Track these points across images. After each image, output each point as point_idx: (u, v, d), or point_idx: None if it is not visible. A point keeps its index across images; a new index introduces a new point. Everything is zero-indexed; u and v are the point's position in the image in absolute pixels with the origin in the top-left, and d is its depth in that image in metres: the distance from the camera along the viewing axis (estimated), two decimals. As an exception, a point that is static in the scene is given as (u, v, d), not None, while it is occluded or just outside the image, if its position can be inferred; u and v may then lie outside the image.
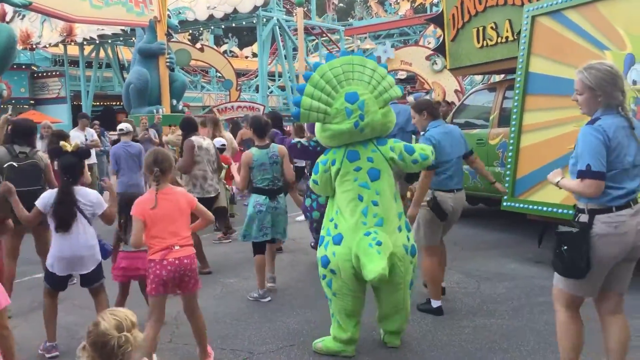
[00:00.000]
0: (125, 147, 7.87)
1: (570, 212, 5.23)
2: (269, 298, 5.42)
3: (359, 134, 4.03)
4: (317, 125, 4.15)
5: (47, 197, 4.28)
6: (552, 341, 4.11)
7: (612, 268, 3.17)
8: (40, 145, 10.02)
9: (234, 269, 6.57)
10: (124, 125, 8.22)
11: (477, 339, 4.31)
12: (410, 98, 23.89)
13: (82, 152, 4.45)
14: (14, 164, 5.27)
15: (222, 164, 7.33)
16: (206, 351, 4.01)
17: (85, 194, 4.30)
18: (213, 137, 8.04)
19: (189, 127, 6.94)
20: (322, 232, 4.23)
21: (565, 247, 3.10)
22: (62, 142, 4.43)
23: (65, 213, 4.18)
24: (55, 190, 4.34)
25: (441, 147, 4.78)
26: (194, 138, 6.63)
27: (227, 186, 7.85)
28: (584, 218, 3.13)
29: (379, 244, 3.80)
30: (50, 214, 4.21)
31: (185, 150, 6.59)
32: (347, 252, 3.94)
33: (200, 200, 6.32)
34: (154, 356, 2.50)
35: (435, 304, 4.88)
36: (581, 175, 3.04)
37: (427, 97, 15.04)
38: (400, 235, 4.08)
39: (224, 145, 7.90)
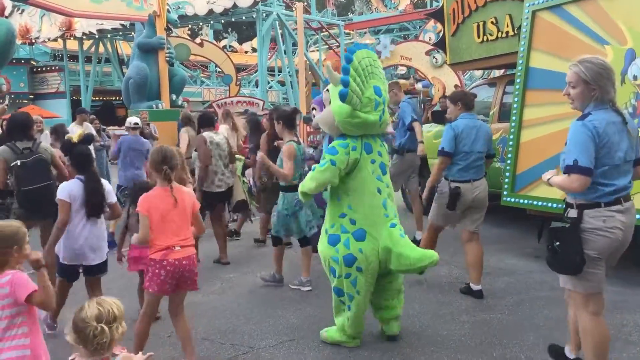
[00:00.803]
0: (136, 142, 7.91)
1: (570, 207, 5.25)
2: (281, 284, 5.56)
3: (378, 128, 4.12)
4: (344, 110, 3.98)
5: (69, 188, 4.31)
6: (552, 336, 4.16)
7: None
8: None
9: (233, 264, 6.56)
10: (137, 119, 8.29)
11: (477, 333, 4.31)
12: (419, 85, 23.84)
13: (87, 139, 4.60)
14: (21, 161, 5.25)
15: (239, 156, 7.34)
16: (192, 354, 3.92)
17: (104, 184, 4.48)
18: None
19: (204, 122, 7.03)
20: (332, 231, 4.14)
21: (558, 243, 3.10)
22: (68, 136, 4.52)
23: (99, 200, 4.33)
24: (74, 181, 4.37)
25: (462, 138, 5.05)
26: (205, 133, 6.68)
27: (244, 179, 7.84)
28: (572, 213, 3.14)
29: (405, 234, 4.01)
30: (82, 203, 4.28)
31: (198, 145, 6.61)
32: (375, 245, 3.99)
33: (211, 194, 6.38)
34: (140, 354, 2.54)
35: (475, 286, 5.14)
36: (568, 170, 3.05)
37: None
38: (401, 226, 4.22)
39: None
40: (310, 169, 4.29)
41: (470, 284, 5.17)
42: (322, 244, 4.22)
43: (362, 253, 3.98)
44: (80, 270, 4.49)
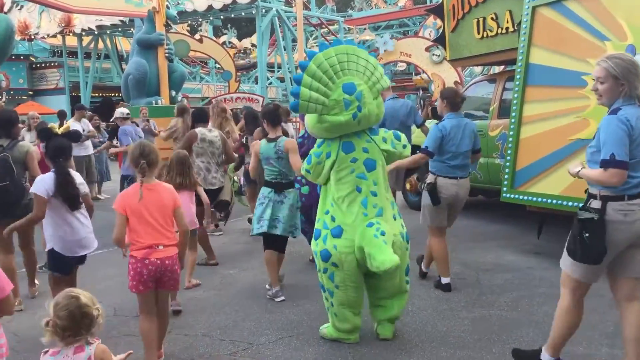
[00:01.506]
0: (136, 132, 7.95)
1: (570, 203, 5.27)
2: (282, 297, 5.17)
3: (356, 126, 4.02)
4: (312, 116, 4.04)
5: (43, 182, 4.29)
6: (551, 332, 4.14)
7: (622, 254, 3.21)
8: (28, 136, 10.05)
9: (232, 260, 6.57)
10: (127, 110, 8.42)
11: (476, 330, 4.31)
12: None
13: (72, 135, 4.54)
14: None
15: (233, 156, 7.23)
16: (159, 352, 3.93)
17: (75, 174, 4.45)
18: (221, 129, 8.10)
19: (198, 118, 6.95)
20: (317, 225, 4.19)
21: (588, 234, 3.11)
22: (51, 124, 4.49)
23: (73, 193, 4.30)
24: (48, 174, 4.35)
25: (449, 139, 5.14)
26: (198, 129, 6.60)
27: (235, 178, 7.83)
28: (595, 204, 3.16)
29: (383, 234, 3.83)
30: (56, 196, 4.26)
31: (186, 139, 6.59)
32: (350, 244, 3.95)
33: (204, 191, 6.31)
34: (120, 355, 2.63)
35: (444, 280, 5.25)
36: (605, 164, 3.06)
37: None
38: (396, 224, 4.15)
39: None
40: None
41: (441, 278, 5.27)
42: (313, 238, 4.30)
43: (336, 250, 3.97)
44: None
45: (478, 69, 23.20)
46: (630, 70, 3.12)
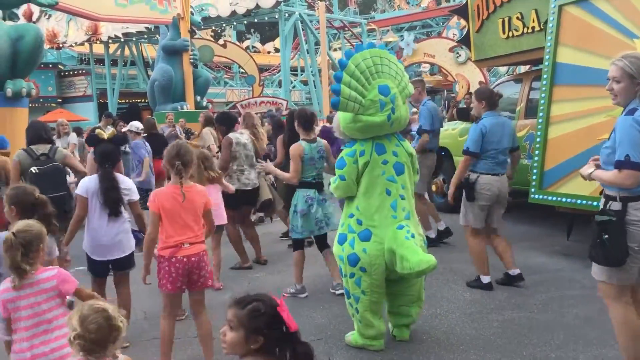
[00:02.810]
0: (145, 145, 8.05)
1: (600, 204, 5.18)
2: (306, 294, 5.37)
3: (389, 128, 4.04)
4: (346, 116, 4.05)
5: (87, 183, 4.37)
6: (582, 334, 4.10)
7: None
8: (58, 143, 10.23)
9: (259, 264, 6.60)
10: (140, 125, 8.49)
11: (506, 332, 4.27)
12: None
13: (118, 140, 4.63)
14: (35, 169, 5.29)
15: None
16: (210, 357, 3.93)
17: (123, 180, 4.47)
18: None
19: (229, 122, 6.96)
20: (341, 230, 4.18)
21: (607, 236, 3.07)
22: (97, 130, 4.57)
23: (116, 198, 4.33)
24: (94, 176, 4.42)
25: (490, 136, 5.21)
26: (231, 135, 6.67)
27: (266, 177, 7.91)
28: (616, 206, 3.12)
29: (413, 236, 3.87)
30: (101, 201, 4.31)
31: (223, 147, 6.55)
32: (379, 247, 3.94)
33: (238, 191, 6.40)
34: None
35: (485, 279, 5.27)
36: (619, 165, 3.02)
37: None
38: (419, 228, 4.19)
39: None
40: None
41: (481, 277, 5.31)
42: (335, 243, 4.27)
43: (366, 254, 3.96)
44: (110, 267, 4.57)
45: (503, 69, 22.97)
46: None
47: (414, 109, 8.79)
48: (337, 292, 5.26)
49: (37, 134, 5.59)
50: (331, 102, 3.98)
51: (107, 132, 4.61)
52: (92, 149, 5.21)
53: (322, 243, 5.54)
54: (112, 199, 4.33)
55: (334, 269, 5.30)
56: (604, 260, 3.13)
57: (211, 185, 5.64)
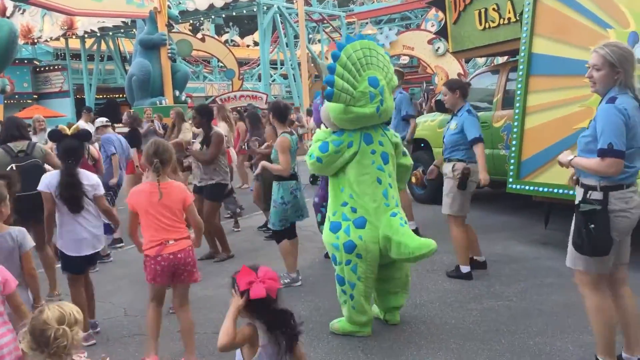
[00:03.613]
0: (119, 138, 7.94)
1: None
2: (300, 282, 5.49)
3: (377, 119, 4.14)
4: (337, 107, 4.06)
5: (48, 178, 4.31)
6: (560, 321, 4.16)
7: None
8: (35, 139, 10.08)
9: (241, 258, 6.58)
10: (104, 118, 8.39)
11: (485, 321, 4.32)
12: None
13: (82, 135, 4.52)
14: (14, 166, 5.22)
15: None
16: (191, 352, 3.91)
17: (87, 176, 4.38)
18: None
19: (210, 115, 6.86)
20: (334, 218, 4.20)
21: (593, 225, 3.09)
22: (60, 126, 4.50)
23: (74, 194, 4.25)
24: (57, 172, 4.37)
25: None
26: (220, 131, 6.69)
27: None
28: (597, 195, 3.14)
29: (406, 222, 4.09)
30: (58, 197, 4.24)
31: (215, 143, 6.46)
32: (374, 234, 4.06)
33: (224, 185, 6.53)
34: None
35: (465, 269, 5.32)
36: (603, 153, 3.03)
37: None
38: (403, 215, 4.26)
39: None
40: None
41: (461, 267, 5.37)
42: (325, 232, 4.29)
43: (362, 240, 4.04)
44: (96, 270, 4.55)
45: (481, 61, 23.12)
46: (627, 58, 3.10)
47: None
48: (296, 284, 5.47)
49: (11, 132, 5.52)
50: (325, 94, 4.00)
51: (74, 126, 4.55)
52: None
53: (293, 232, 5.59)
54: (68, 195, 4.23)
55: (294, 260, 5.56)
56: (590, 250, 3.14)
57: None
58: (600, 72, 3.17)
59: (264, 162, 5.69)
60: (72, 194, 4.25)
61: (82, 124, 10.64)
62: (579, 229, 3.15)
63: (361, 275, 4.09)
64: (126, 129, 9.87)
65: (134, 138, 9.07)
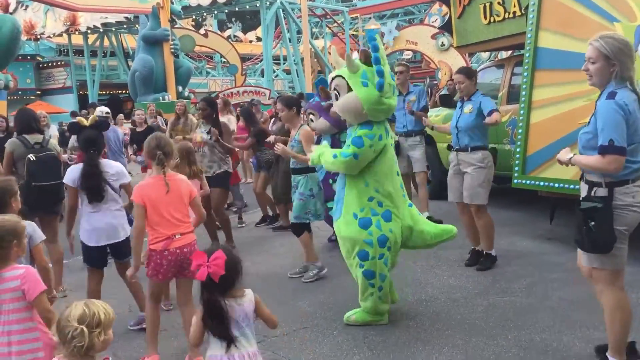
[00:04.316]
0: (116, 132, 7.95)
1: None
2: (325, 269, 5.50)
3: (391, 112, 4.29)
4: (373, 97, 4.04)
5: (73, 172, 4.32)
6: (567, 317, 4.14)
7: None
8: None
9: (244, 253, 6.56)
10: (105, 109, 8.37)
11: (491, 316, 4.29)
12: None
13: (100, 124, 4.54)
14: (33, 156, 5.27)
15: None
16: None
17: (110, 165, 4.43)
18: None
19: (216, 107, 7.09)
20: (363, 214, 4.16)
21: (593, 223, 3.06)
22: (78, 118, 4.52)
23: (96, 184, 4.27)
24: (79, 165, 4.37)
25: None
26: (226, 122, 6.93)
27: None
28: (602, 192, 3.12)
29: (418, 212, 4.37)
30: (79, 187, 4.26)
31: (228, 132, 6.80)
32: (399, 225, 4.23)
33: (230, 173, 6.79)
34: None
35: (494, 252, 5.49)
36: (603, 150, 3.00)
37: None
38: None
39: None
40: None
41: (491, 252, 5.49)
42: (352, 229, 4.18)
43: (392, 233, 4.16)
44: (110, 258, 4.53)
45: (485, 55, 23.00)
46: (623, 50, 3.05)
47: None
48: (304, 280, 5.43)
49: (28, 123, 5.56)
50: (378, 83, 4.01)
51: (92, 116, 4.57)
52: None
53: (309, 225, 5.59)
54: (88, 185, 4.26)
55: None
56: (590, 247, 3.13)
57: (193, 181, 5.65)
58: (595, 65, 3.13)
59: (290, 152, 5.38)
60: (92, 184, 4.28)
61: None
62: (579, 226, 3.13)
63: (389, 267, 4.24)
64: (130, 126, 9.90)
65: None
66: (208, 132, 6.61)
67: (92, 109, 11.82)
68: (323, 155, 4.31)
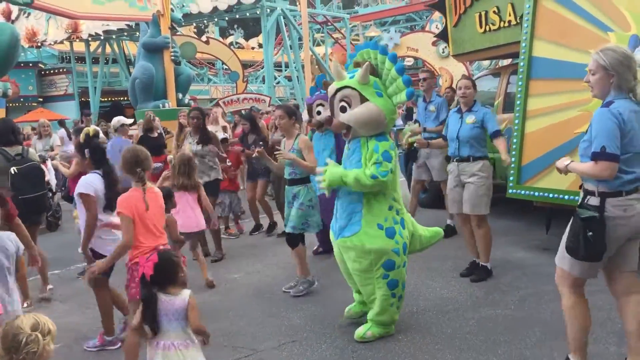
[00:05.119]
0: (127, 142, 7.91)
1: (577, 198, 5.17)
2: (316, 283, 5.45)
3: None
4: (390, 107, 4.12)
5: (93, 182, 4.26)
6: (559, 331, 4.06)
7: (619, 249, 3.18)
8: (40, 144, 10.07)
9: (238, 264, 6.53)
10: (125, 120, 8.35)
11: (482, 330, 4.24)
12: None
13: (97, 135, 4.63)
14: (15, 169, 5.23)
15: None
16: None
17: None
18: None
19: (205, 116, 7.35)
20: (387, 224, 4.10)
21: (592, 233, 3.06)
22: (86, 129, 4.56)
23: (117, 194, 4.23)
24: (94, 175, 4.32)
25: None
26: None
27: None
28: (594, 201, 3.12)
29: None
30: (106, 196, 4.27)
31: (217, 141, 7.11)
32: (409, 232, 4.31)
33: (220, 181, 7.00)
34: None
35: (489, 265, 5.45)
36: (595, 156, 3.03)
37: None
38: None
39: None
40: None
41: (488, 264, 5.45)
42: (378, 240, 4.06)
43: (407, 239, 4.26)
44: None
45: (486, 63, 22.97)
46: (621, 61, 3.07)
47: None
48: (293, 293, 5.30)
49: (7, 137, 5.50)
50: (408, 92, 4.02)
51: (92, 127, 4.58)
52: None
53: (303, 236, 5.45)
54: (114, 195, 4.20)
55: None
56: (584, 255, 3.12)
57: (189, 193, 5.69)
58: (595, 76, 3.18)
59: (296, 158, 5.14)
60: (117, 193, 4.23)
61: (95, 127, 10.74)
62: (576, 234, 3.12)
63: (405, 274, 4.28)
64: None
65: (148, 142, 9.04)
66: (198, 143, 6.61)
67: (86, 117, 11.79)
68: (348, 177, 4.06)
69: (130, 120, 9.01)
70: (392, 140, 4.20)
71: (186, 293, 3.09)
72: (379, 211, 4.12)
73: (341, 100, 4.15)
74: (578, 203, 3.25)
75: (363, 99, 4.06)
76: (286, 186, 5.45)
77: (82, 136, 4.51)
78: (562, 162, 3.30)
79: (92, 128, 4.60)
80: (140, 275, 3.05)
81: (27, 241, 4.00)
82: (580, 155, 3.23)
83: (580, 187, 3.30)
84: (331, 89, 4.31)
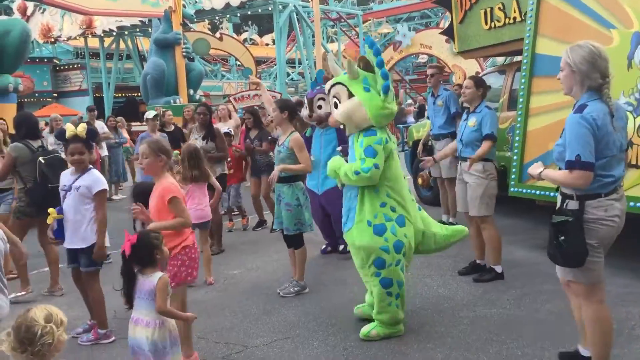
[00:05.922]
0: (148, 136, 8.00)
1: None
2: (307, 290, 5.31)
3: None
4: (377, 103, 4.03)
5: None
6: (553, 331, 4.05)
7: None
8: (51, 138, 10.15)
9: (239, 260, 6.55)
10: (154, 112, 8.46)
11: (475, 329, 4.20)
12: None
13: (90, 134, 4.54)
14: (43, 159, 5.36)
15: None
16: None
17: None
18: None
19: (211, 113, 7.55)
20: (377, 221, 4.04)
21: (563, 238, 3.01)
22: (67, 124, 4.56)
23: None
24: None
25: None
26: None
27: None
28: (573, 205, 3.06)
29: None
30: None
31: (222, 137, 7.23)
32: (412, 230, 4.18)
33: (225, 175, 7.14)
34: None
35: (499, 268, 5.31)
36: (570, 165, 2.96)
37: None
38: None
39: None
40: None
41: (496, 267, 5.34)
42: (366, 237, 4.05)
43: (407, 238, 4.10)
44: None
45: (501, 59, 22.79)
46: (586, 58, 2.98)
47: (409, 100, 8.80)
48: (282, 293, 5.23)
49: (32, 130, 5.67)
50: (384, 86, 4.01)
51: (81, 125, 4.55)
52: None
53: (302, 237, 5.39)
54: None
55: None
56: (562, 261, 3.09)
57: (199, 184, 5.74)
58: (562, 73, 3.12)
59: (285, 166, 5.14)
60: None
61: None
62: (550, 240, 3.06)
63: (405, 272, 4.17)
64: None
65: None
66: (203, 138, 6.65)
67: (90, 112, 11.86)
68: (340, 170, 4.10)
69: (153, 113, 8.99)
70: (384, 135, 4.07)
71: (156, 276, 3.18)
72: (370, 207, 4.09)
73: (334, 96, 4.22)
74: (556, 208, 3.19)
75: (350, 95, 4.07)
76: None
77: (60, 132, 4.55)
78: (535, 168, 3.25)
79: (70, 126, 4.45)
80: (121, 252, 3.19)
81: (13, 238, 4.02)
82: (555, 159, 3.17)
83: (557, 189, 3.25)
84: (327, 86, 4.35)
